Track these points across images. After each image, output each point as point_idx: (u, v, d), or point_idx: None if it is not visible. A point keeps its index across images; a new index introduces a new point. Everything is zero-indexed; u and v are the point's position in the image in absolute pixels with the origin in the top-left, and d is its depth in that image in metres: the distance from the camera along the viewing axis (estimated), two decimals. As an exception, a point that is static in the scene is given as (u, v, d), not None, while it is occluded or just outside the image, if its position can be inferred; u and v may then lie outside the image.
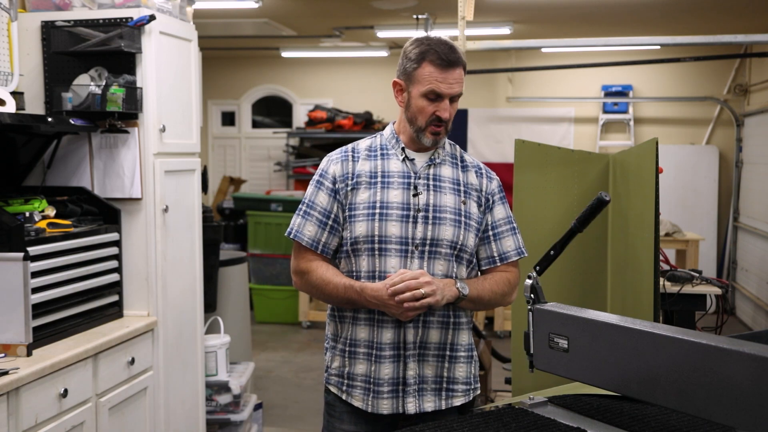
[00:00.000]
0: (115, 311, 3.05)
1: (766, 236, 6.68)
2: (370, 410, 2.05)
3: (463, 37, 4.25)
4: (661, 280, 3.57)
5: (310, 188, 2.12)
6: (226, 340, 3.97)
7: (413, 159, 2.10)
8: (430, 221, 2.04)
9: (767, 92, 7.19)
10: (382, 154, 2.11)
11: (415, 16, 6.18)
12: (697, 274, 3.67)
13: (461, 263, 2.08)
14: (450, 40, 2.05)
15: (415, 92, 2.03)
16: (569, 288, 2.83)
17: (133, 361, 2.92)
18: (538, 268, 1.76)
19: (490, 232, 2.13)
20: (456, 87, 2.01)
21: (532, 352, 1.68)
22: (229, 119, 9.41)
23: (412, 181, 2.07)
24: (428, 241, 2.03)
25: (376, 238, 2.02)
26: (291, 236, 2.11)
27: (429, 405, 2.06)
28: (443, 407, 2.07)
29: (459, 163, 2.15)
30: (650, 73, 8.14)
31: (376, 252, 2.03)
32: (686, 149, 8.05)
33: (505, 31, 6.96)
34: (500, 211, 2.14)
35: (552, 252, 1.79)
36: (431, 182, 2.08)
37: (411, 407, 2.04)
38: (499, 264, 2.13)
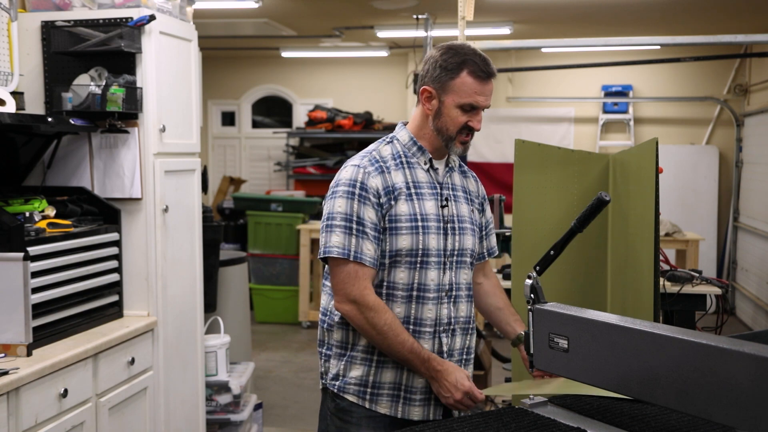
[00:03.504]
0: (115, 311, 3.05)
1: (766, 236, 6.68)
2: (399, 416, 2.03)
3: (463, 37, 4.25)
4: (661, 280, 3.56)
5: (350, 203, 1.97)
6: (226, 340, 3.97)
7: (437, 168, 2.09)
8: (457, 232, 2.06)
9: (767, 92, 7.18)
10: (408, 163, 2.06)
11: (415, 16, 6.17)
12: (697, 274, 3.66)
13: (471, 269, 2.16)
14: (479, 50, 2.04)
15: (450, 102, 1.99)
16: (569, 288, 2.82)
17: (133, 361, 2.92)
18: (538, 268, 1.75)
19: (483, 232, 2.23)
20: (490, 99, 2.03)
21: (532, 352, 1.68)
22: (229, 119, 9.41)
23: (439, 191, 2.07)
24: (456, 252, 2.06)
25: (420, 251, 2.00)
26: (351, 258, 1.95)
27: (455, 411, 2.07)
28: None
29: (459, 170, 2.18)
30: (650, 73, 8.13)
31: (417, 265, 2.01)
32: (686, 149, 8.05)
33: (505, 31, 6.96)
34: (488, 211, 2.27)
35: (552, 252, 1.79)
36: (451, 192, 2.09)
37: (439, 413, 2.05)
38: (487, 258, 2.26)
